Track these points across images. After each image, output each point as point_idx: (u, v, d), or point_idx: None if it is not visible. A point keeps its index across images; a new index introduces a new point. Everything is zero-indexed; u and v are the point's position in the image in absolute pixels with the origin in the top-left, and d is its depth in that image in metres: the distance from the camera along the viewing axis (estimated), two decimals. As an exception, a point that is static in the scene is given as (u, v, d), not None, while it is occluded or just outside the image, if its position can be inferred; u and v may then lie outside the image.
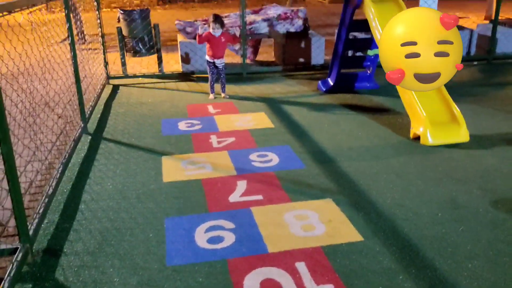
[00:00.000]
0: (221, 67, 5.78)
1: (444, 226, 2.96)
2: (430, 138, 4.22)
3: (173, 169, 3.85)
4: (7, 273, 2.36)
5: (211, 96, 5.90)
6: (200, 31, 5.66)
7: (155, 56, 7.25)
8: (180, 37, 7.37)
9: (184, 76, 7.02)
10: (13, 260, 2.46)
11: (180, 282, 2.46)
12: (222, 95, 5.93)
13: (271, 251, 2.71)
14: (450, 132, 4.28)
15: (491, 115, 5.09)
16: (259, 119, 5.09)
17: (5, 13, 2.60)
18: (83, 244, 2.82)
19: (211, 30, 5.57)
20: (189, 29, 7.23)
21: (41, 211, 2.95)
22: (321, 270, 2.54)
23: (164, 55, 7.68)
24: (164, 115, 5.29)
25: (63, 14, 4.45)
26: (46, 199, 3.11)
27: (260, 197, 3.36)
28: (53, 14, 5.27)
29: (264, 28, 7.27)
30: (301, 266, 2.57)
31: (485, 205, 3.21)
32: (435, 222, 3.01)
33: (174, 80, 6.85)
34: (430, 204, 3.24)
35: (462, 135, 4.27)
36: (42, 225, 2.99)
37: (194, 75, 7.04)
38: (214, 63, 5.74)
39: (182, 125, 4.93)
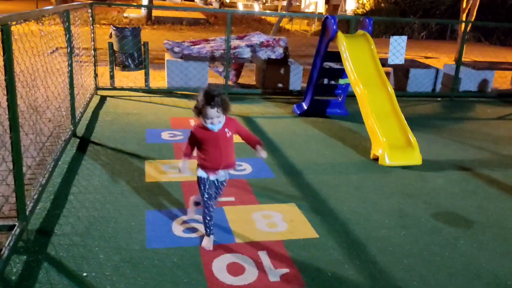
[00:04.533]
0: (223, 182, 3.16)
1: (389, 231, 3.42)
2: (387, 159, 4.73)
3: (155, 172, 4.24)
4: (7, 243, 2.70)
5: (206, 242, 3.07)
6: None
7: (142, 72, 7.68)
8: (167, 56, 7.83)
9: (169, 92, 7.46)
10: (12, 234, 2.80)
11: (157, 261, 2.84)
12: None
13: (238, 241, 3.12)
14: (405, 155, 4.81)
15: (445, 144, 5.66)
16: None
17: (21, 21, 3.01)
18: (72, 227, 3.17)
19: (205, 122, 2.85)
20: (176, 49, 7.71)
21: (35, 197, 3.30)
22: (280, 258, 2.95)
23: (151, 71, 8.11)
24: (149, 125, 5.69)
25: (53, 27, 4.84)
26: (40, 188, 3.46)
27: (232, 198, 3.78)
28: (41, 26, 5.62)
29: (247, 53, 7.80)
30: (263, 254, 2.98)
31: (427, 216, 3.70)
32: (382, 227, 3.47)
33: (159, 95, 7.28)
34: (380, 212, 3.71)
35: (415, 158, 4.80)
36: (35, 211, 3.32)
37: (178, 92, 7.48)
38: (213, 179, 3.06)
39: (165, 135, 5.33)
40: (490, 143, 5.78)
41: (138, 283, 2.62)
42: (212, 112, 2.78)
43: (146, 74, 7.50)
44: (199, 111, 2.83)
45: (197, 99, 2.83)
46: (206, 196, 3.03)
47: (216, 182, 3.11)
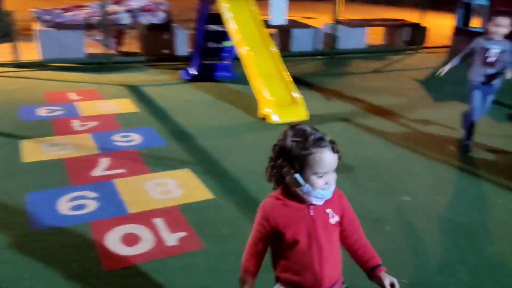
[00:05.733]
0: None
1: (280, 184, 3.56)
2: (275, 117, 4.88)
3: (34, 151, 3.91)
4: None
5: None
6: None
7: (9, 45, 6.92)
8: (37, 26, 7.13)
9: (43, 65, 6.84)
10: None
11: (44, 243, 2.65)
12: None
13: (131, 212, 3.03)
14: (291, 112, 5.00)
15: (327, 98, 5.99)
16: (124, 104, 5.29)
17: None
18: None
19: (311, 185, 1.49)
20: (46, 17, 7.05)
21: None
22: (176, 223, 2.93)
23: (20, 44, 7.32)
24: (21, 102, 5.18)
25: None
26: None
27: (123, 170, 3.64)
28: None
29: (126, 19, 7.40)
30: (158, 221, 2.93)
31: (314, 167, 3.92)
32: (274, 181, 3.60)
33: (32, 69, 6.64)
34: (271, 168, 3.84)
35: (301, 114, 5.02)
36: None
37: (53, 64, 6.89)
38: None
39: (41, 111, 4.91)
40: (365, 95, 6.24)
41: (24, 267, 2.43)
42: (332, 159, 1.48)
43: (14, 47, 6.76)
44: (301, 163, 1.47)
45: (287, 142, 1.52)
46: None
47: None
